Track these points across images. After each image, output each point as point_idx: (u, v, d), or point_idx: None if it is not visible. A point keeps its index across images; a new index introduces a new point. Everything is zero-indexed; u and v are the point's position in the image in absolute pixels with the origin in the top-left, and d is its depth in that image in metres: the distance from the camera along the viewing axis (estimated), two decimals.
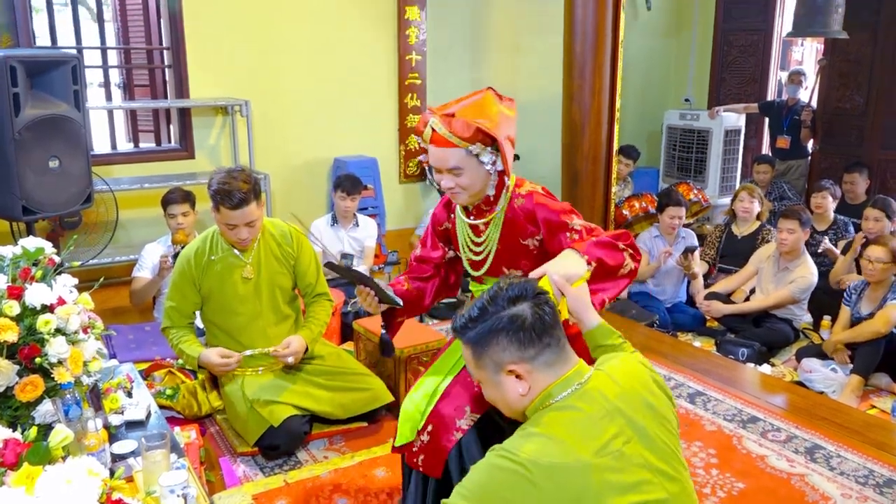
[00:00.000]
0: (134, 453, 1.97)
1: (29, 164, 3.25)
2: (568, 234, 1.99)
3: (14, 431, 1.66)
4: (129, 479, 1.84)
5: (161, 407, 2.77)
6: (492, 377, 1.48)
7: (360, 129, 5.72)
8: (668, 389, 1.56)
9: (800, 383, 3.75)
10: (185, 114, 5.02)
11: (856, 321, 3.84)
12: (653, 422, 1.44)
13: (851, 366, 3.69)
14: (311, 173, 5.56)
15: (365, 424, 3.09)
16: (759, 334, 4.18)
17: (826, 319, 4.30)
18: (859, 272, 4.09)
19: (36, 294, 1.87)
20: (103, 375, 2.15)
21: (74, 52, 4.12)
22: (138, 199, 4.82)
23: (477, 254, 2.17)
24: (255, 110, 5.08)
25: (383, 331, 2.34)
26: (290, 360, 2.94)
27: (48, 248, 2.05)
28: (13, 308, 1.82)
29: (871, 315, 3.74)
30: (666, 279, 4.69)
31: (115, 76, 5.71)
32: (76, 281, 2.02)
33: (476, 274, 2.22)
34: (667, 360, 3.84)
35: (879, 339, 3.65)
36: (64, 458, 1.61)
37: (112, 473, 1.66)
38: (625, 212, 5.31)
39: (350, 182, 4.47)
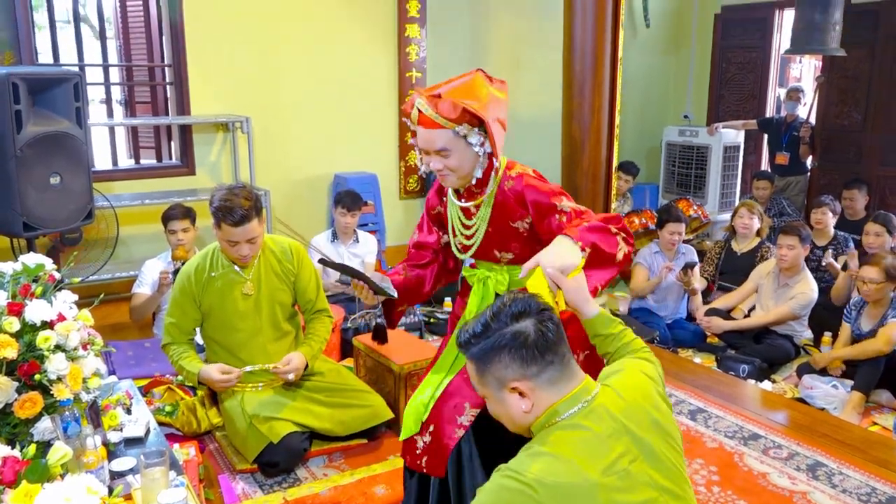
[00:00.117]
0: (133, 470, 1.96)
1: (30, 180, 3.26)
2: (557, 216, 1.96)
3: (13, 449, 1.66)
4: (128, 497, 1.83)
5: (160, 424, 2.75)
6: (495, 394, 1.47)
7: (361, 146, 5.75)
8: (669, 401, 1.56)
9: (801, 400, 3.74)
10: (186, 130, 5.05)
11: (856, 338, 3.84)
12: (658, 439, 1.44)
13: (852, 382, 3.68)
14: (312, 189, 5.58)
15: (365, 441, 3.07)
16: (760, 350, 4.17)
17: (827, 335, 4.29)
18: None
19: (36, 310, 1.87)
20: (102, 392, 2.14)
21: (76, 69, 4.15)
22: (139, 216, 4.84)
23: (468, 237, 2.14)
24: (255, 127, 5.11)
25: (379, 318, 2.33)
26: (291, 376, 2.94)
27: (48, 264, 2.06)
28: (13, 324, 1.82)
29: (872, 332, 3.73)
30: (666, 295, 4.68)
31: (117, 93, 5.75)
32: (76, 297, 2.02)
33: (463, 257, 2.20)
34: (667, 377, 3.76)
35: (880, 356, 3.64)
36: (63, 476, 1.60)
37: (111, 491, 1.66)
38: None
39: (350, 198, 4.48)
